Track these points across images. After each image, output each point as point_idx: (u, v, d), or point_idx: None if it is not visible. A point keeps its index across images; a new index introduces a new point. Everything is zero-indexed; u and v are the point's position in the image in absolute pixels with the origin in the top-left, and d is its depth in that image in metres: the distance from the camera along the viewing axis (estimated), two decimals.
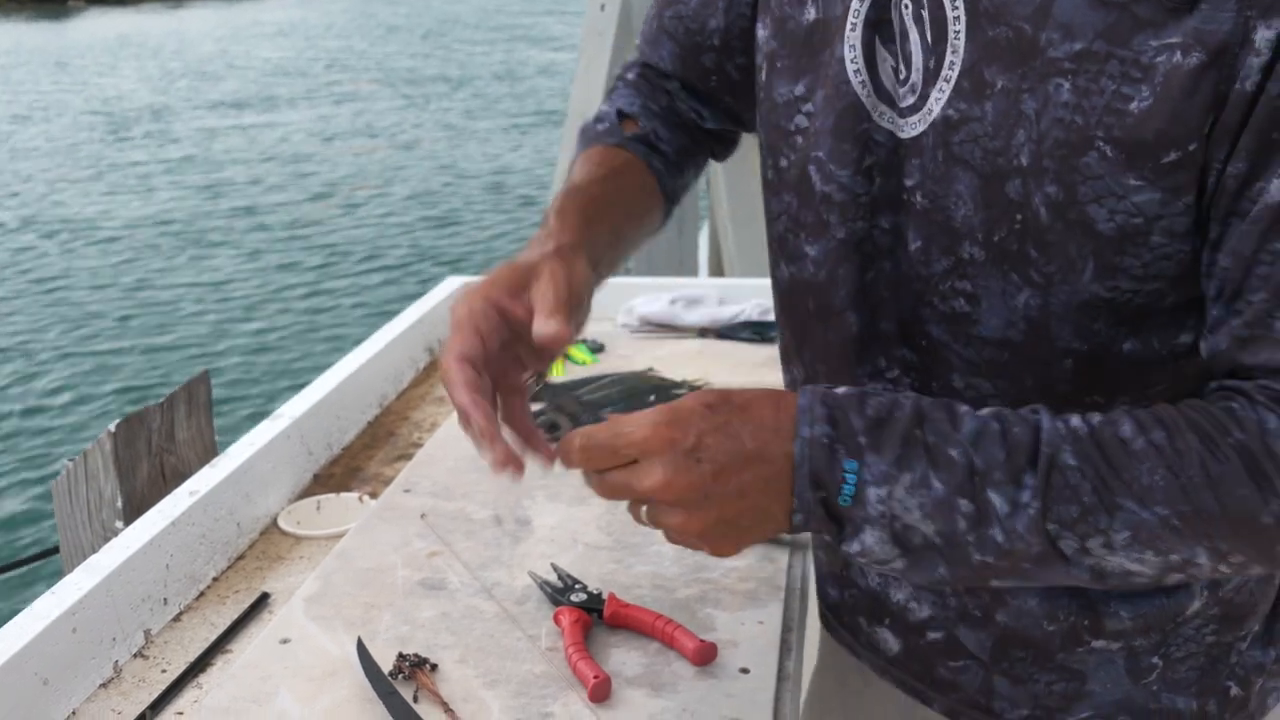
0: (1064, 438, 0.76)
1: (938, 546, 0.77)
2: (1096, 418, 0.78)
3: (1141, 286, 0.80)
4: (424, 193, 13.17)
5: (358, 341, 1.94)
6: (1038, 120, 0.77)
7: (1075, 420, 0.78)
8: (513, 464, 0.85)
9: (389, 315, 2.11)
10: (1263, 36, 0.70)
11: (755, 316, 2.13)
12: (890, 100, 0.87)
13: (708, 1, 1.07)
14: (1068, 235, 0.79)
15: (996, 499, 0.75)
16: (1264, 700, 1.00)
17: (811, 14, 0.92)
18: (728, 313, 2.11)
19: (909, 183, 0.86)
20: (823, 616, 1.20)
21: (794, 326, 1.03)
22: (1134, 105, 0.74)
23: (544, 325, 0.84)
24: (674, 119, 1.16)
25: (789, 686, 1.08)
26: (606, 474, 0.80)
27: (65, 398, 7.65)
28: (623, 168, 1.09)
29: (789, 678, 1.09)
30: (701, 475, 0.76)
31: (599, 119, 1.15)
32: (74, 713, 1.09)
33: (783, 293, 1.04)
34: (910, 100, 0.85)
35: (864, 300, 0.92)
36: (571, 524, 1.36)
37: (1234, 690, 0.98)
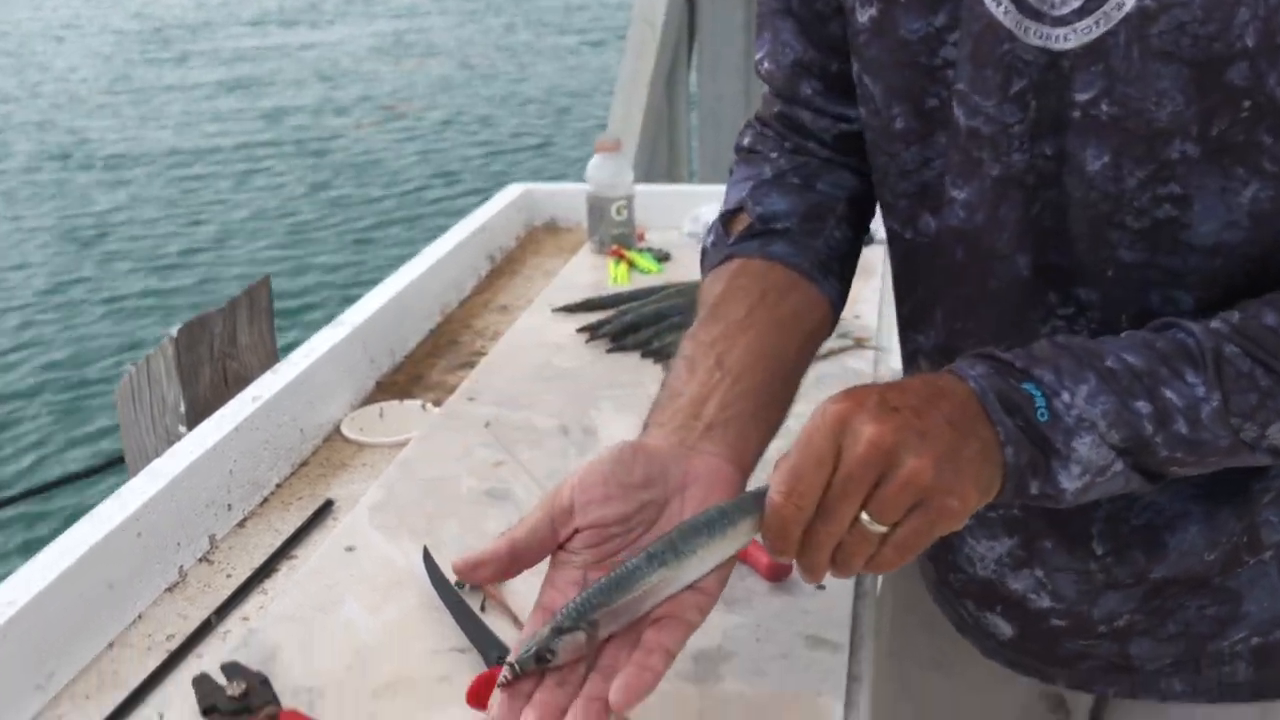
0: (1216, 334, 0.74)
1: (1127, 451, 0.73)
2: (1235, 315, 0.74)
3: None
4: (482, 108, 13.10)
5: (419, 250, 1.92)
6: None
7: (1214, 321, 0.74)
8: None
9: (450, 225, 2.09)
10: None
11: None
12: (1036, 14, 0.78)
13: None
14: None
15: (1172, 395, 0.73)
16: None
17: None
18: None
19: (1082, 97, 0.78)
20: (924, 575, 1.14)
21: (931, 282, 0.94)
22: None
23: None
24: (788, 172, 0.99)
25: (867, 603, 1.05)
26: (823, 503, 0.70)
27: (127, 305, 7.74)
28: (778, 294, 0.91)
29: (867, 594, 1.06)
30: (905, 416, 0.70)
31: (708, 231, 1.01)
32: (140, 617, 1.09)
33: (918, 249, 0.93)
34: (1071, 5, 0.77)
35: (1030, 239, 0.84)
36: (640, 434, 1.33)
37: None
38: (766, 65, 1.01)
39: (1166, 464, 0.74)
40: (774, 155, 1.00)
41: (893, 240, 0.98)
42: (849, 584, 1.04)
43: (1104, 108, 0.77)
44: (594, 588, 0.73)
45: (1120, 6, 0.74)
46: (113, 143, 11.47)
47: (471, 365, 1.62)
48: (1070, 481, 0.73)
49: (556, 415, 1.39)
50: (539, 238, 2.29)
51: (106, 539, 1.06)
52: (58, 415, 6.23)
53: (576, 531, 0.77)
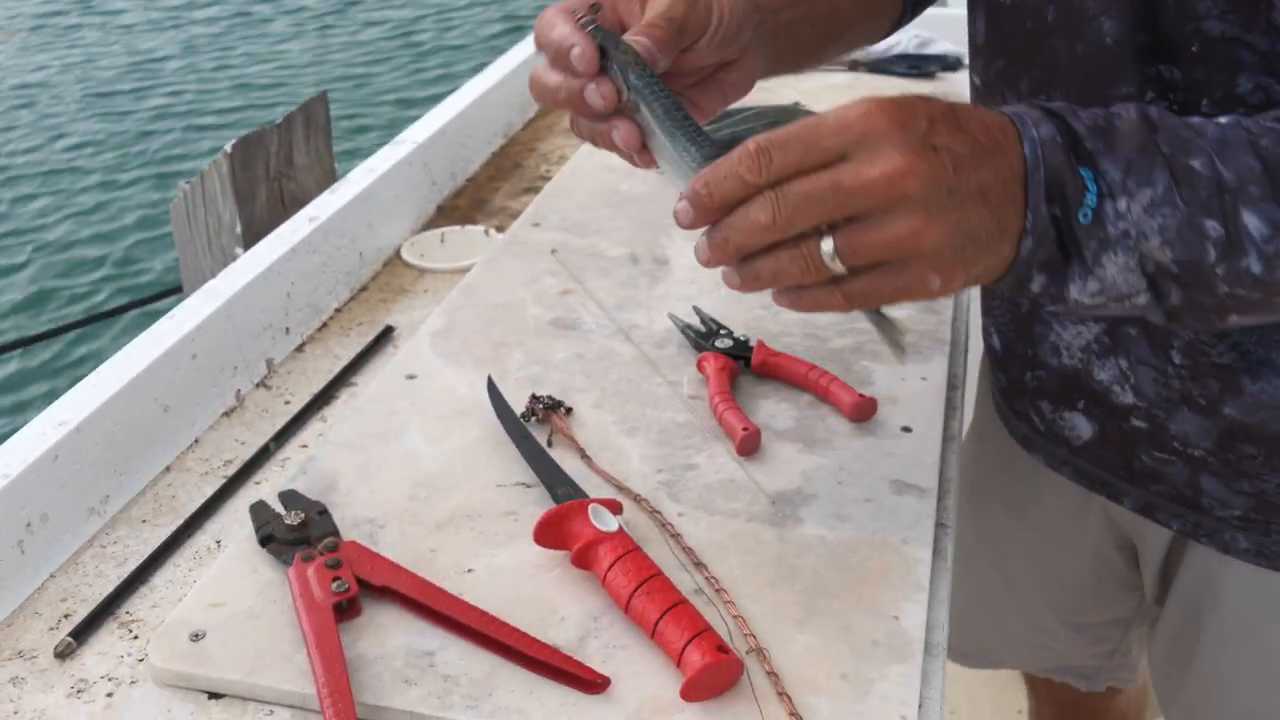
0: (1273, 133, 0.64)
1: (1176, 276, 0.64)
2: None
3: None
4: None
5: (483, 67, 1.85)
6: None
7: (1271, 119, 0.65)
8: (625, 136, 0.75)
9: (516, 40, 2.01)
10: None
11: (912, 49, 1.97)
12: None
13: None
14: None
15: (1253, 221, 0.63)
16: None
17: None
18: (880, 46, 1.95)
19: None
20: (995, 403, 1.11)
21: (1017, 48, 0.88)
22: None
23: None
24: None
25: (954, 448, 1.00)
26: (790, 184, 0.61)
27: (178, 121, 7.67)
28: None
29: (954, 438, 1.01)
30: (943, 165, 0.60)
31: None
32: (197, 441, 1.07)
33: (1005, 8, 0.88)
34: None
35: (1123, 2, 0.77)
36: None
37: None
38: None
39: (1225, 302, 0.65)
40: None
41: (979, 3, 0.92)
42: (937, 427, 1.00)
43: None
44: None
45: None
46: None
47: (536, 190, 1.57)
48: (1080, 294, 0.65)
49: (626, 243, 1.33)
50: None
51: (161, 359, 1.03)
52: (115, 237, 6.25)
53: None
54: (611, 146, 0.78)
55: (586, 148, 1.63)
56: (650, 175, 1.51)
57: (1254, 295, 0.65)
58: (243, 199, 1.60)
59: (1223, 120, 0.66)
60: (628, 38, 0.75)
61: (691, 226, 0.66)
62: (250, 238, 1.61)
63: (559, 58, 0.75)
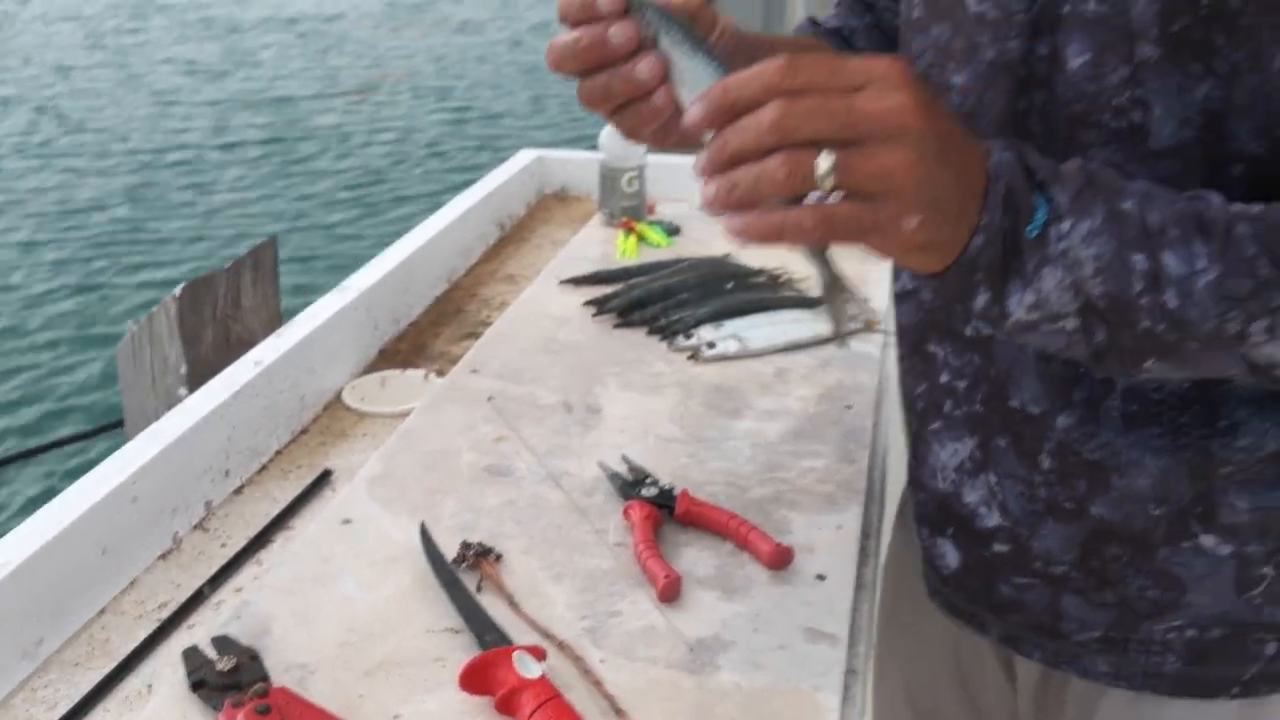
0: (1236, 214, 0.71)
1: (1103, 314, 0.71)
2: (1258, 206, 0.73)
3: None
4: (495, 75, 13.00)
5: (427, 216, 1.91)
6: None
7: (1238, 205, 0.73)
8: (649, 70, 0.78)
9: (459, 188, 2.08)
10: None
11: None
12: None
13: None
14: (1262, 16, 0.73)
15: (1171, 260, 0.70)
16: None
17: None
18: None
19: None
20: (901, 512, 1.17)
21: None
22: None
23: None
24: (869, 37, 1.13)
25: (867, 596, 1.04)
26: (807, 95, 0.65)
27: (129, 262, 7.71)
28: (809, 41, 1.09)
29: (867, 586, 1.05)
30: (945, 120, 0.68)
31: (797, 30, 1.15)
32: (133, 583, 1.09)
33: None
34: None
35: (1013, 128, 0.86)
36: (643, 414, 1.32)
37: None
38: None
39: (1142, 342, 0.72)
40: (859, 19, 1.15)
41: None
42: (850, 576, 1.04)
43: (1090, 5, 0.79)
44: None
45: None
46: (105, 106, 11.37)
47: (476, 336, 1.61)
48: (1017, 306, 0.71)
49: (561, 391, 1.38)
50: (549, 206, 2.27)
51: (102, 503, 1.05)
52: (60, 372, 6.21)
53: None
54: (630, 90, 0.80)
55: (527, 295, 1.70)
56: (587, 325, 1.57)
57: (1170, 336, 0.71)
58: (189, 341, 1.63)
59: (1143, 182, 0.74)
60: None
61: (700, 125, 0.68)
62: (195, 379, 1.63)
63: (585, 8, 0.79)
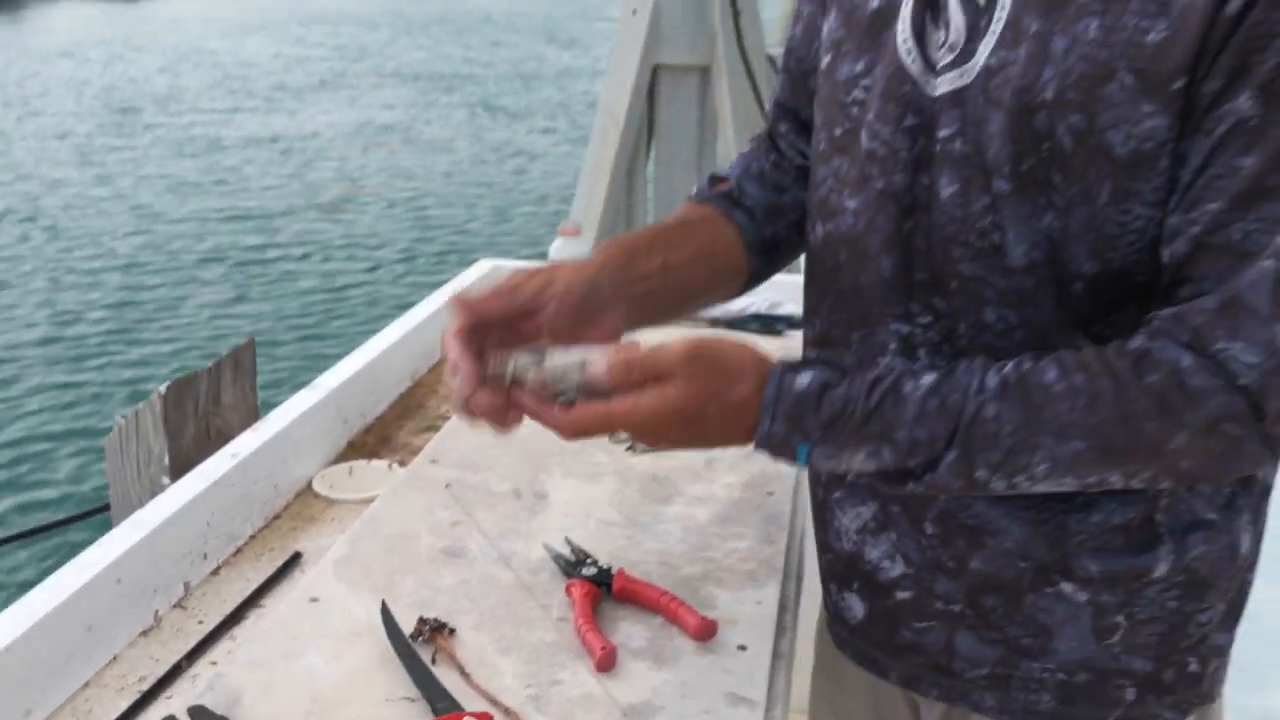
0: (989, 394, 0.81)
1: (887, 480, 0.86)
2: (1027, 364, 0.82)
3: (1151, 214, 0.81)
4: (451, 185, 13.11)
5: (392, 319, 1.93)
6: (1065, 57, 0.80)
7: (1008, 367, 0.82)
8: (489, 413, 0.91)
9: (423, 295, 2.10)
10: None
11: (764, 310, 2.10)
12: (933, 68, 0.88)
13: (808, 30, 1.08)
14: (1088, 161, 0.80)
15: (937, 455, 0.83)
16: (1215, 683, 0.98)
17: (875, 3, 0.94)
18: (737, 305, 2.09)
19: (945, 133, 0.87)
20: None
21: (820, 281, 1.02)
22: (1151, 37, 0.76)
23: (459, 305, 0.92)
24: (770, 177, 1.15)
25: (783, 664, 1.06)
26: (636, 392, 0.84)
27: (116, 361, 7.65)
28: (698, 218, 1.11)
29: (783, 656, 1.07)
30: (694, 429, 0.86)
31: (698, 188, 1.19)
32: (115, 658, 1.08)
33: (815, 251, 1.03)
34: (948, 59, 0.87)
35: (899, 248, 0.92)
36: (585, 500, 1.34)
37: (1193, 665, 0.95)
38: (769, 102, 1.21)
39: (924, 491, 0.86)
40: (765, 157, 1.17)
41: (807, 247, 1.08)
42: (768, 646, 1.06)
43: (958, 146, 0.86)
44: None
45: (975, 63, 0.84)
46: (97, 213, 11.31)
47: (436, 429, 1.62)
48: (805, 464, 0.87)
49: (511, 479, 1.40)
50: None
51: (88, 584, 1.06)
52: (51, 462, 6.13)
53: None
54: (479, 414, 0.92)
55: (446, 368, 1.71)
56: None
57: (921, 492, 0.86)
58: (173, 434, 1.63)
59: (927, 382, 0.84)
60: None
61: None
62: (177, 469, 1.63)
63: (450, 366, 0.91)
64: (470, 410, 0.90)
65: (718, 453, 1.48)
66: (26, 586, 1.06)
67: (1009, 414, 0.81)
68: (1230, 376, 0.76)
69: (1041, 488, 0.82)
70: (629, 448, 1.48)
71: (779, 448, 0.85)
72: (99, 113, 17.10)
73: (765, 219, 1.12)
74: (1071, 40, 0.79)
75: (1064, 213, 0.83)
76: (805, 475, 1.39)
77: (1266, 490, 0.94)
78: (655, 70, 3.11)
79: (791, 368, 0.86)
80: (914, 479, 0.84)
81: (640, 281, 1.00)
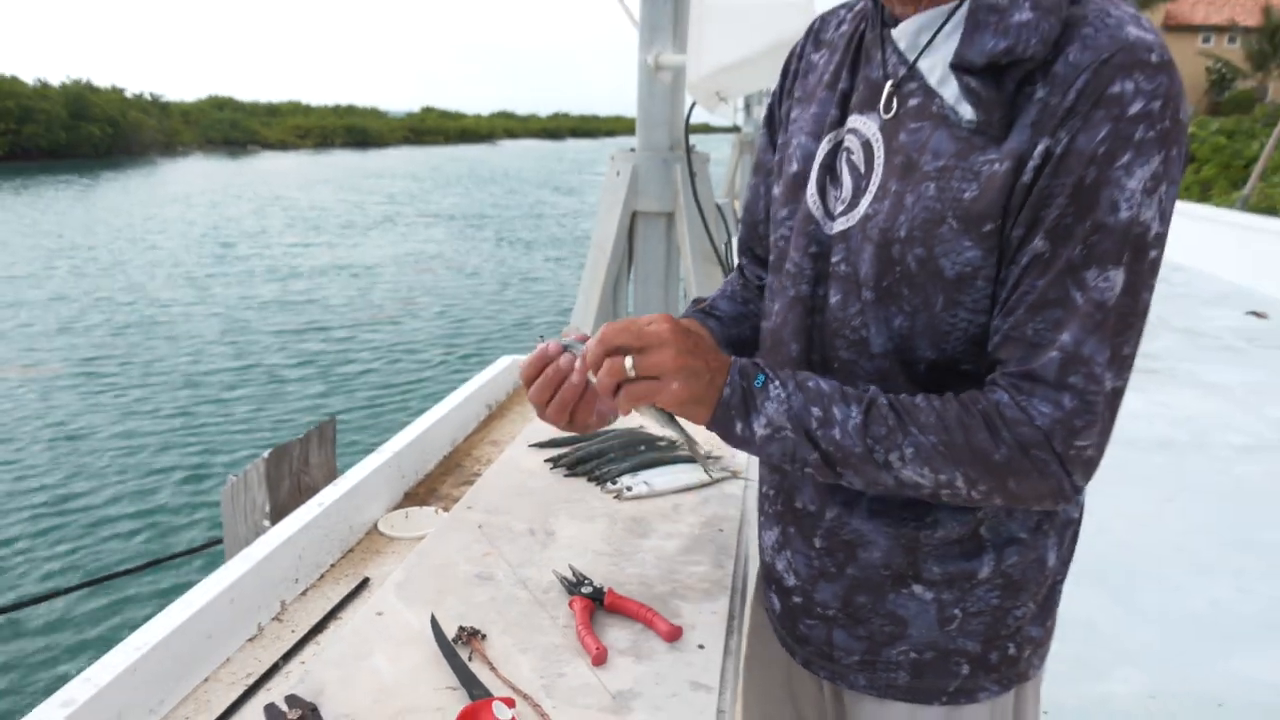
0: (881, 394, 0.87)
1: (803, 436, 0.86)
2: (903, 394, 0.87)
3: (973, 319, 0.85)
4: (480, 299, 13.20)
5: (438, 399, 1.94)
6: (912, 208, 0.85)
7: (889, 395, 0.88)
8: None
9: (460, 382, 2.12)
10: (1039, 150, 0.78)
11: None
12: (829, 211, 0.94)
13: (754, 195, 1.13)
14: (925, 279, 0.85)
15: (837, 411, 0.86)
16: (1030, 665, 0.99)
17: (795, 168, 0.99)
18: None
19: (835, 259, 0.92)
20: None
21: (763, 357, 1.06)
22: (967, 195, 0.82)
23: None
24: (738, 295, 1.19)
25: (732, 658, 1.07)
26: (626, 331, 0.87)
27: (229, 431, 7.61)
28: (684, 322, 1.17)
29: (732, 652, 1.08)
30: (693, 338, 0.88)
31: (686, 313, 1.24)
32: (228, 660, 1.08)
33: (761, 341, 1.07)
34: (841, 209, 0.92)
35: (803, 337, 0.96)
36: (584, 536, 1.35)
37: (1011, 650, 0.97)
38: (719, 240, 1.29)
39: (830, 458, 0.86)
40: (735, 281, 1.21)
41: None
42: (720, 645, 1.06)
43: (842, 268, 0.91)
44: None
45: (858, 212, 0.90)
46: (209, 326, 11.29)
47: (471, 483, 1.62)
48: (760, 429, 0.87)
49: (528, 521, 1.40)
50: (521, 394, 2.32)
51: (209, 604, 1.06)
52: (180, 509, 6.07)
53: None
54: (574, 394, 0.95)
55: (506, 455, 1.73)
56: (547, 475, 1.60)
57: (838, 454, 0.86)
58: (272, 488, 1.63)
59: (826, 379, 0.89)
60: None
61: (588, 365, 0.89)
62: (276, 515, 1.63)
63: (540, 358, 0.96)
64: (544, 390, 0.95)
65: (681, 498, 1.50)
66: (164, 603, 1.06)
67: (894, 405, 0.85)
68: (1031, 419, 0.81)
69: (909, 473, 0.84)
70: (616, 496, 1.50)
71: (747, 368, 0.88)
72: (203, 245, 17.13)
73: (732, 324, 1.16)
74: (917, 197, 0.84)
75: (910, 316, 0.87)
76: (751, 513, 1.40)
77: (1069, 522, 0.97)
78: (634, 215, 3.19)
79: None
80: (826, 440, 0.85)
81: None
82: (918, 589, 0.95)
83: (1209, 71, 36.55)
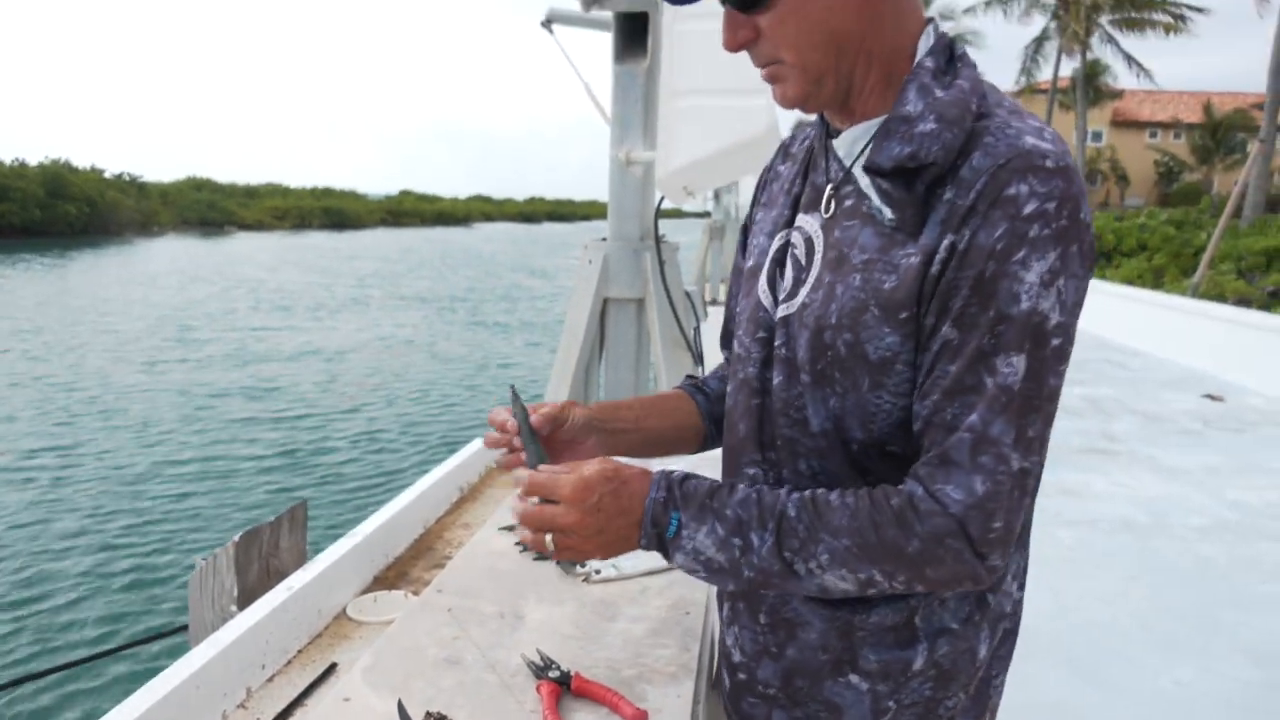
0: (792, 501, 0.90)
1: (725, 568, 0.90)
2: (819, 490, 0.91)
3: (896, 401, 0.90)
4: (453, 382, 13.19)
5: (410, 482, 1.95)
6: (841, 298, 0.91)
7: (805, 492, 0.91)
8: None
9: (432, 464, 2.13)
10: (945, 245, 0.85)
11: None
12: (775, 299, 1.00)
13: (731, 293, 1.19)
14: (854, 363, 0.91)
15: (754, 538, 0.89)
16: None
17: (752, 263, 1.06)
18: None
19: (778, 344, 0.98)
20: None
21: (724, 436, 1.11)
22: (887, 286, 0.88)
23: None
24: (725, 377, 1.24)
25: None
26: (539, 508, 0.94)
27: (198, 515, 7.46)
28: (672, 394, 1.24)
29: None
30: (597, 519, 0.92)
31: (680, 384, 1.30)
32: None
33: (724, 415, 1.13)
34: (784, 297, 0.99)
35: (751, 417, 1.01)
36: (553, 619, 1.35)
37: None
38: (688, 326, 1.34)
39: (755, 580, 0.90)
40: (722, 367, 1.26)
41: None
42: (686, 715, 1.07)
43: (783, 351, 0.97)
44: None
45: (798, 300, 0.97)
46: (177, 409, 11.10)
47: (442, 566, 1.62)
48: (680, 563, 0.92)
49: (497, 604, 1.40)
50: (494, 476, 2.33)
51: (174, 690, 1.05)
52: (137, 591, 5.90)
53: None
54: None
55: (477, 537, 1.73)
56: (516, 558, 1.61)
57: (761, 577, 0.90)
58: (241, 572, 1.62)
59: (747, 487, 0.92)
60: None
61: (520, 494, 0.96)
62: (244, 599, 1.62)
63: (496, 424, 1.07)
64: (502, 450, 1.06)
65: (650, 581, 1.51)
66: (131, 688, 1.05)
67: (803, 516, 0.88)
68: (945, 506, 0.84)
69: (830, 578, 0.87)
70: (585, 579, 1.51)
71: (659, 514, 0.91)
72: (164, 328, 16.94)
73: (717, 401, 1.22)
74: (845, 287, 0.91)
75: (841, 397, 0.92)
76: (714, 599, 1.42)
77: (1001, 615, 0.99)
78: (605, 301, 3.26)
79: (671, 471, 0.96)
80: (748, 568, 0.89)
81: (616, 424, 1.12)
82: (854, 678, 0.97)
83: (1157, 165, 38.14)
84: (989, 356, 0.83)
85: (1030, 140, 0.84)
